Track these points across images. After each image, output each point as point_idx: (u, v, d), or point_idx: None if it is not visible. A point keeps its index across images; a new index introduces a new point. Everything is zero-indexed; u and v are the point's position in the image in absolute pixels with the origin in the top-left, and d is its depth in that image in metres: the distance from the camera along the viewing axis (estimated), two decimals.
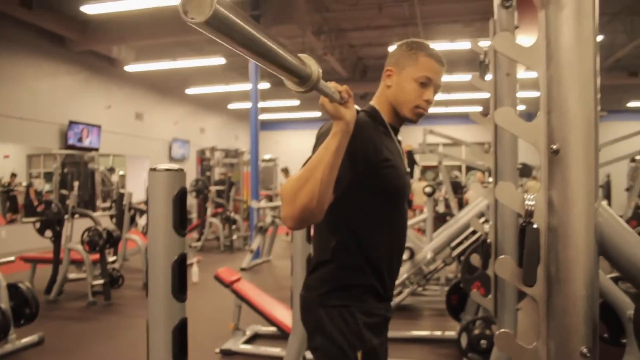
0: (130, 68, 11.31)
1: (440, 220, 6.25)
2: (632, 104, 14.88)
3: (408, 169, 1.63)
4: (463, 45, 9.77)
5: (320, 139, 1.39)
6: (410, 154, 5.57)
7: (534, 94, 7.44)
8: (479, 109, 15.97)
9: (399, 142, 1.66)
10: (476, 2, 10.18)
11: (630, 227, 0.88)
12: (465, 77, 12.01)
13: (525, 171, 5.90)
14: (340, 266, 1.50)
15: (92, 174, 11.38)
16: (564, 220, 0.80)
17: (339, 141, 1.27)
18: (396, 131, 1.62)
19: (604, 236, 0.83)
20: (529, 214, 0.82)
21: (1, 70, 8.96)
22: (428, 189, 5.19)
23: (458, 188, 11.24)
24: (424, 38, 7.22)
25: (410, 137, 6.04)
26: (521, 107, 1.82)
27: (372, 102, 1.62)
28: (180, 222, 1.17)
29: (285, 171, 13.75)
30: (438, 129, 6.21)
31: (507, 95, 1.74)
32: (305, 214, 1.27)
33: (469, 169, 15.95)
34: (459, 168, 16.98)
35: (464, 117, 16.30)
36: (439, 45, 9.81)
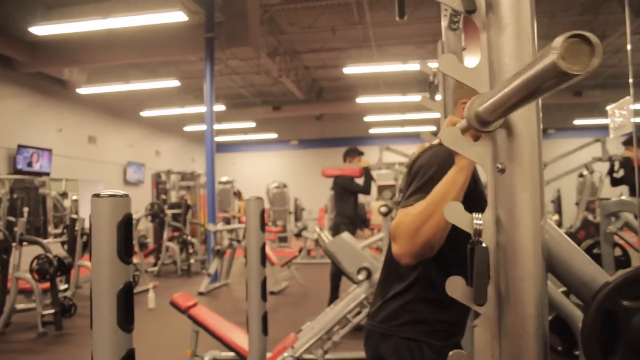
0: (82, 90, 11.09)
1: None
2: (577, 122, 15.45)
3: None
4: (415, 66, 9.96)
5: (428, 171, 1.35)
6: (367, 170, 5.59)
7: None
8: (433, 128, 16.27)
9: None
10: (426, 24, 10.42)
11: (577, 239, 0.90)
12: (417, 97, 12.24)
13: None
14: (421, 299, 1.44)
15: (44, 200, 11.02)
16: (511, 238, 0.81)
17: (466, 176, 1.21)
18: None
19: (551, 253, 0.84)
20: (478, 233, 0.82)
21: None
22: (383, 209, 5.22)
23: None
24: (377, 60, 7.38)
25: (367, 155, 6.06)
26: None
27: None
28: (126, 250, 1.13)
29: (238, 194, 13.63)
30: (394, 148, 6.29)
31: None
32: (426, 249, 1.23)
33: None
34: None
35: (418, 137, 16.59)
36: (391, 67, 10.05)
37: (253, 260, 2.47)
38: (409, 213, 1.24)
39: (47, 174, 10.76)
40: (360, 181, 5.58)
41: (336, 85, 15.20)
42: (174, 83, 10.92)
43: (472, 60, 1.80)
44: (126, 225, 1.09)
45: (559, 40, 0.57)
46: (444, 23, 1.77)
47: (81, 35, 8.09)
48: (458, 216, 0.85)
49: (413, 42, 11.28)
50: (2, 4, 8.62)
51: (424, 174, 1.36)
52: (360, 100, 12.69)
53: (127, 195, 1.14)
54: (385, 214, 5.24)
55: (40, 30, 7.46)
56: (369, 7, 9.10)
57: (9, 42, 8.93)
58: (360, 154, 5.74)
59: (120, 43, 9.07)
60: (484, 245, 0.82)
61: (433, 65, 2.00)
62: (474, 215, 0.83)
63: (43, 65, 9.85)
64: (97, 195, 1.11)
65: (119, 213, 1.09)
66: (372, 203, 12.48)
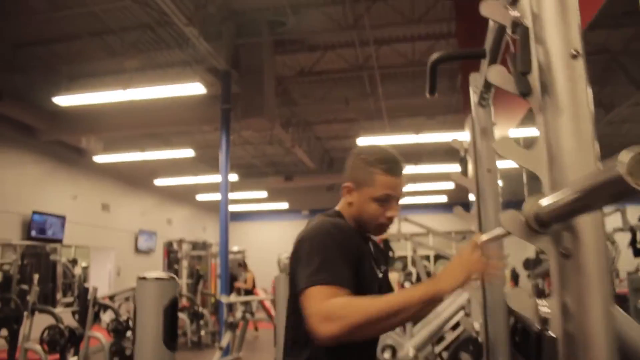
0: (98, 158, 11.26)
1: None
2: None
3: (381, 270, 1.62)
4: (427, 137, 10.08)
5: (324, 248, 1.41)
6: (386, 243, 5.53)
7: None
8: (444, 198, 16.24)
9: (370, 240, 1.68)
10: (437, 96, 10.61)
11: None
12: (430, 167, 12.30)
13: None
14: None
15: (54, 266, 10.96)
16: (581, 326, 0.77)
17: (434, 299, 1.26)
18: (363, 236, 1.61)
19: (623, 339, 0.80)
20: (544, 321, 0.79)
21: None
22: (407, 284, 5.12)
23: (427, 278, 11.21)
24: (389, 131, 7.42)
25: None
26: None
27: (338, 209, 1.60)
28: (172, 335, 1.08)
29: (244, 266, 13.46)
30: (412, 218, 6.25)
31: (490, 191, 1.74)
32: (347, 337, 1.24)
33: (437, 258, 15.98)
34: (427, 258, 16.98)
35: (431, 207, 16.57)
36: (404, 138, 10.16)
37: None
38: (353, 304, 1.25)
39: (60, 241, 10.76)
40: None
41: (344, 157, 15.32)
42: (189, 153, 11.06)
43: (501, 135, 1.81)
44: (172, 310, 1.05)
45: (626, 156, 0.56)
46: (474, 99, 1.79)
47: (100, 105, 8.28)
48: (521, 303, 0.82)
49: (425, 113, 11.46)
50: (27, 74, 8.91)
51: (318, 251, 1.39)
52: None
53: (173, 278, 1.11)
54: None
55: (63, 100, 7.66)
56: (381, 80, 9.31)
57: (32, 111, 9.19)
58: None
59: (138, 113, 9.29)
60: (551, 334, 0.79)
61: (456, 136, 2.00)
62: (539, 301, 0.80)
63: (62, 134, 10.08)
64: (143, 278, 1.08)
65: (166, 297, 1.06)
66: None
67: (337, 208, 1.60)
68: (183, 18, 6.57)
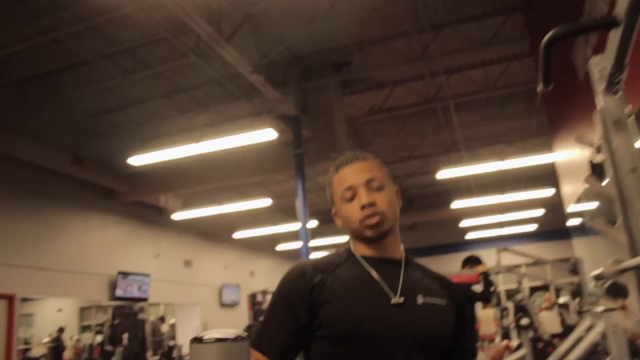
0: (177, 216, 11.40)
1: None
2: None
3: (412, 298, 1.26)
4: (511, 163, 9.54)
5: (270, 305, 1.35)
6: (485, 276, 5.06)
7: None
8: (534, 226, 15.34)
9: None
10: (514, 121, 10.11)
11: None
12: (517, 195, 11.64)
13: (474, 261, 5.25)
14: None
15: (142, 325, 11.05)
16: None
17: None
18: (381, 262, 1.32)
19: None
20: None
21: (52, 226, 9.09)
22: (524, 321, 4.63)
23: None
24: (467, 162, 6.96)
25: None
26: None
27: (349, 244, 1.46)
28: None
29: None
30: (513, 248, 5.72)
31: (637, 192, 1.38)
32: None
33: (533, 291, 14.96)
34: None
35: (519, 237, 15.67)
36: (488, 167, 9.64)
37: None
38: None
39: (145, 299, 10.85)
40: (478, 288, 5.05)
41: (427, 193, 14.88)
42: (266, 202, 11.00)
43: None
44: None
45: None
46: (599, 87, 1.45)
47: (174, 162, 8.36)
48: None
49: (503, 140, 10.93)
50: (105, 140, 9.21)
51: (268, 306, 1.36)
52: (456, 204, 12.23)
53: (242, 337, 0.82)
54: (525, 327, 4.63)
55: (137, 160, 7.77)
56: (455, 109, 8.94)
57: (111, 175, 9.46)
58: (480, 262, 5.24)
59: (212, 167, 9.35)
60: None
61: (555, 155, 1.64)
62: None
63: (141, 194, 10.29)
64: (198, 340, 0.80)
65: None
66: (480, 312, 11.48)
67: None
68: (248, 67, 6.54)
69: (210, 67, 7.37)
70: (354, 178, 1.33)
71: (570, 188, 6.48)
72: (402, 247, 1.38)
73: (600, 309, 2.50)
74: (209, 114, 8.83)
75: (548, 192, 11.24)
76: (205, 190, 11.32)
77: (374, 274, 1.28)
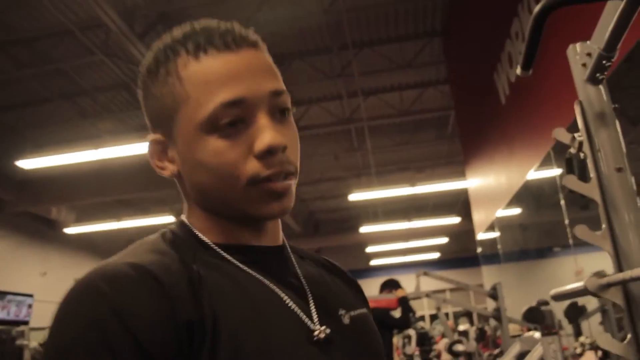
0: (70, 230, 10.50)
1: None
2: None
3: (336, 315, 0.75)
4: (418, 189, 9.63)
5: None
6: (404, 301, 4.88)
7: None
8: (437, 255, 15.64)
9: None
10: (424, 148, 10.25)
11: None
12: (423, 222, 11.78)
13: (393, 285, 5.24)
14: None
15: (21, 352, 9.98)
16: None
17: None
18: (261, 254, 0.74)
19: None
20: None
21: None
22: (459, 347, 4.50)
23: (425, 340, 10.48)
24: (378, 186, 6.77)
25: (369, 288, 5.31)
26: None
27: (181, 218, 0.79)
28: None
29: None
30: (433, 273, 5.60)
31: (624, 198, 1.20)
32: None
33: (433, 318, 15.15)
34: (421, 318, 16.19)
35: (421, 265, 15.90)
36: (400, 191, 9.65)
37: None
38: None
39: (26, 323, 9.83)
40: (396, 313, 4.87)
41: (334, 217, 14.81)
42: (168, 219, 10.40)
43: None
44: None
45: None
46: (581, 76, 1.26)
47: (71, 171, 7.66)
48: None
49: (413, 167, 11.05)
50: None
51: None
52: (364, 229, 12.20)
53: None
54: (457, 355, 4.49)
55: (26, 164, 7.00)
56: (370, 133, 8.90)
57: None
58: (399, 286, 5.05)
59: (111, 178, 8.68)
60: None
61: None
62: None
63: (30, 204, 9.36)
64: None
65: None
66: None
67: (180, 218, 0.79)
68: None
69: (118, 68, 6.85)
70: (249, 83, 0.68)
71: (482, 215, 6.54)
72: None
73: (537, 334, 2.35)
74: (114, 120, 8.24)
75: (453, 220, 11.47)
76: (102, 204, 10.55)
77: (268, 284, 0.69)
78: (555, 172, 4.66)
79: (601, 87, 1.29)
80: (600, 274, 1.24)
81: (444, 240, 13.71)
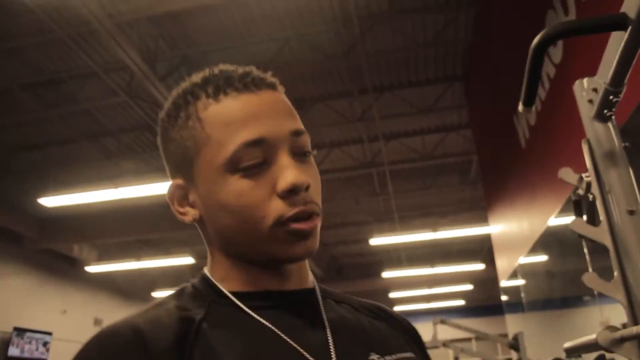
0: (91, 269, 10.53)
1: None
2: None
3: None
4: (443, 234, 9.45)
5: None
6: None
7: None
8: (462, 302, 15.25)
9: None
10: (447, 193, 10.12)
11: None
12: (446, 269, 11.54)
13: None
14: None
15: None
16: None
17: None
18: (283, 302, 0.72)
19: None
20: None
21: None
22: None
23: None
24: (400, 231, 6.64)
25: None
26: None
27: (203, 270, 0.78)
28: None
29: None
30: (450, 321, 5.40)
31: (637, 242, 1.11)
32: None
33: None
34: None
35: (445, 312, 15.50)
36: (421, 236, 9.48)
37: None
38: None
39: None
40: None
41: (357, 262, 14.62)
42: (188, 260, 10.37)
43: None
44: None
45: None
46: (588, 113, 1.19)
47: (93, 210, 7.74)
48: None
49: (435, 212, 10.89)
50: (16, 180, 8.45)
51: None
52: (387, 274, 11.99)
53: None
54: None
55: (49, 201, 7.08)
56: (390, 177, 8.82)
57: (19, 218, 8.63)
58: None
59: (133, 218, 8.74)
60: None
61: (567, 175, 1.38)
62: None
63: (52, 241, 9.46)
64: None
65: None
66: None
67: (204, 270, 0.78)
68: None
69: (141, 109, 6.95)
70: (269, 122, 0.68)
71: (505, 262, 6.35)
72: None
73: None
74: (136, 160, 8.32)
75: (477, 266, 11.22)
76: (123, 243, 10.59)
77: (279, 333, 0.66)
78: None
79: (610, 124, 1.22)
80: (613, 328, 1.14)
81: (468, 287, 13.39)
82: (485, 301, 14.16)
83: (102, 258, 10.64)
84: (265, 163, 0.67)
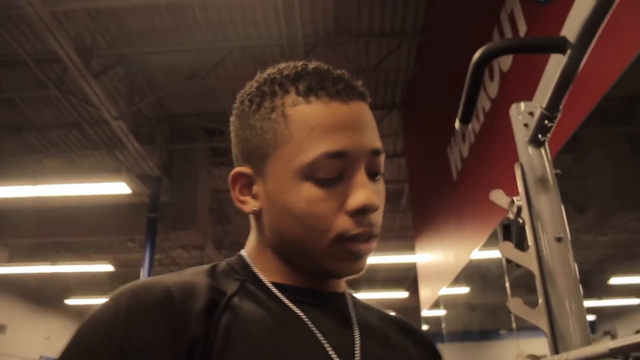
0: None
1: None
2: None
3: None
4: (373, 260, 9.48)
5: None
6: None
7: None
8: None
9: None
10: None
11: None
12: (370, 295, 11.59)
13: None
14: None
15: None
16: None
17: None
18: (315, 299, 0.71)
19: None
20: None
21: None
22: None
23: None
24: None
25: None
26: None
27: (241, 252, 0.77)
28: None
29: None
30: None
31: (563, 270, 1.10)
32: None
33: None
34: None
35: None
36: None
37: None
38: None
39: None
40: None
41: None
42: (107, 267, 9.95)
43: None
44: None
45: None
46: (522, 137, 1.20)
47: (7, 206, 7.30)
48: None
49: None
50: None
51: None
52: None
53: None
54: None
55: None
56: None
57: None
58: None
59: (51, 219, 8.29)
60: None
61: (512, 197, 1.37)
62: None
63: None
64: None
65: None
66: None
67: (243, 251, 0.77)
68: (113, 111, 5.93)
69: (71, 106, 6.66)
70: (354, 137, 0.67)
71: (429, 292, 6.42)
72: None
73: None
74: (61, 159, 7.95)
75: (401, 294, 11.34)
76: (39, 245, 10.04)
77: (308, 323, 0.66)
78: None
79: (542, 149, 1.21)
80: (534, 357, 1.11)
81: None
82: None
83: (13, 259, 10.03)
84: (341, 176, 0.67)
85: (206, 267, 0.72)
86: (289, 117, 0.67)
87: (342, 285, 0.78)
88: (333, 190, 0.66)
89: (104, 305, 0.62)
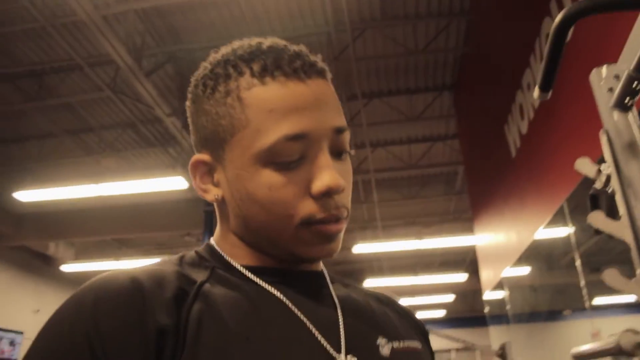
0: (67, 267, 10.29)
1: None
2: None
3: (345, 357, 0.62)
4: (428, 243, 9.40)
5: None
6: None
7: None
8: (443, 312, 15.23)
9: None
10: (431, 203, 10.08)
11: None
12: (430, 278, 11.48)
13: None
14: None
15: None
16: None
17: None
18: (291, 278, 0.68)
19: None
20: None
21: None
22: None
23: None
24: (384, 239, 6.54)
25: None
26: None
27: (209, 241, 0.74)
28: None
29: None
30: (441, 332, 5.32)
31: None
32: None
33: None
34: None
35: (429, 323, 15.43)
36: (407, 245, 9.41)
37: None
38: None
39: None
40: None
41: (338, 270, 14.51)
42: None
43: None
44: None
45: None
46: (608, 102, 1.11)
47: (71, 206, 7.55)
48: None
49: (419, 222, 10.84)
50: None
51: None
52: (368, 282, 11.91)
53: None
54: None
55: (25, 195, 6.88)
56: (376, 186, 8.75)
57: None
58: None
59: (113, 216, 8.55)
60: None
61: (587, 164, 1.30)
62: None
63: (27, 238, 9.20)
64: None
65: None
66: None
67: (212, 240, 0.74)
68: (166, 109, 6.04)
69: (125, 106, 6.81)
70: (314, 117, 0.63)
71: (490, 273, 6.29)
72: None
73: None
74: (117, 159, 8.16)
75: (460, 277, 11.18)
76: (102, 242, 10.38)
77: (287, 302, 0.64)
78: (568, 230, 4.44)
79: (630, 114, 1.14)
80: (635, 331, 1.06)
81: (450, 297, 13.35)
82: (467, 312, 14.11)
83: (78, 257, 10.41)
84: (303, 158, 0.63)
85: (175, 256, 0.70)
86: (245, 100, 0.64)
87: (318, 264, 0.74)
88: (295, 174, 0.63)
89: (73, 295, 0.61)
